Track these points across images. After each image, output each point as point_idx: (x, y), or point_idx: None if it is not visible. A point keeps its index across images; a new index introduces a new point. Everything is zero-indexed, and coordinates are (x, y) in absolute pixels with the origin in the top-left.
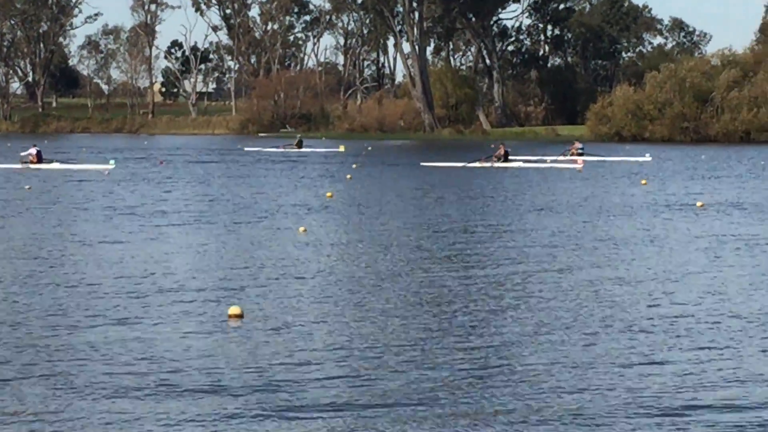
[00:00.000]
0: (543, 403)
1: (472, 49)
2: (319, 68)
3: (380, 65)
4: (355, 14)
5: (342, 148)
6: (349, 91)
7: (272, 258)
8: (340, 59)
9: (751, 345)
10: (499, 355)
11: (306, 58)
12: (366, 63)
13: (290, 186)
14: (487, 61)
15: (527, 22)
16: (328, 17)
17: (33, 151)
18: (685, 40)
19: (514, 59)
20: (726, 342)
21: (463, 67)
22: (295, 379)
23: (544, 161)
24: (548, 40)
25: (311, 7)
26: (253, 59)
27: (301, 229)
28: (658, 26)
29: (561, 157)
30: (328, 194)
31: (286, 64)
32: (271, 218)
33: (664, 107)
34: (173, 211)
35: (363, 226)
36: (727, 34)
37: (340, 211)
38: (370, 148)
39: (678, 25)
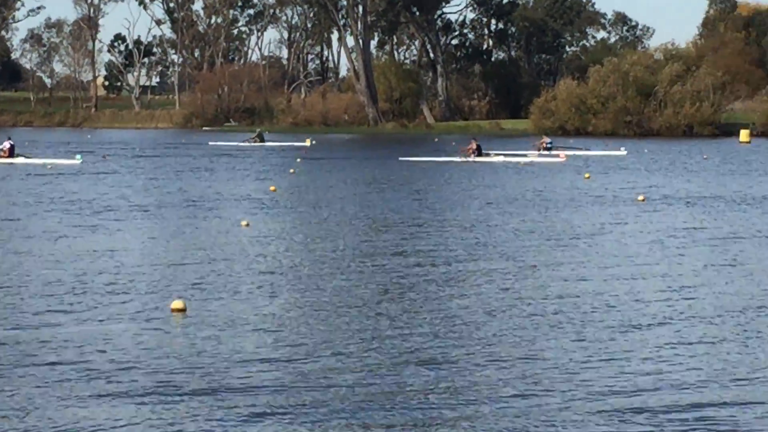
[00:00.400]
0: (488, 400)
1: (416, 43)
2: (263, 62)
3: (324, 59)
4: (298, 8)
5: (308, 142)
6: (293, 85)
7: (215, 252)
8: (284, 53)
9: (703, 339)
10: (445, 351)
11: (250, 51)
12: (310, 57)
13: (236, 180)
14: (431, 55)
15: (471, 16)
16: (271, 11)
17: (6, 144)
18: (628, 34)
19: (458, 53)
20: (675, 336)
21: (407, 61)
22: (237, 375)
23: (525, 156)
24: (492, 34)
25: (255, 0)
26: (196, 53)
27: (244, 222)
28: (602, 20)
29: (531, 152)
30: (272, 188)
31: (230, 57)
32: (214, 212)
33: (608, 101)
34: (116, 206)
35: (305, 220)
36: (670, 29)
37: (283, 205)
38: (314, 142)
39: (621, 19)
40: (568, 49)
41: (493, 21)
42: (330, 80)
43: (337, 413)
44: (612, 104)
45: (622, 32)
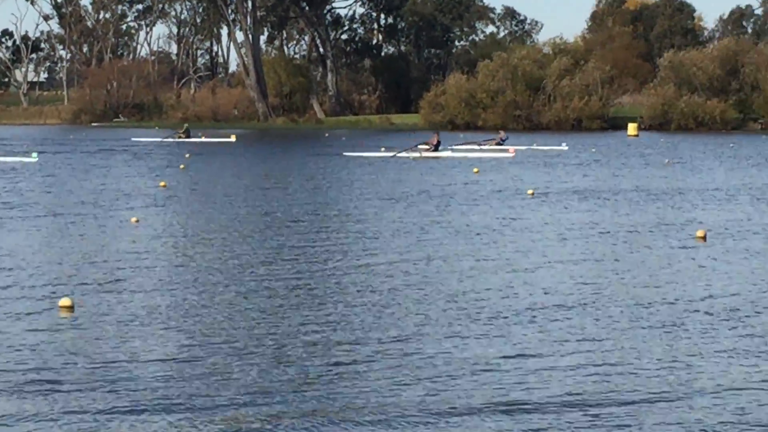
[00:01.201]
0: (389, 398)
1: (306, 38)
2: (152, 57)
3: (213, 54)
4: (188, 3)
5: (233, 138)
6: (183, 81)
7: (104, 249)
8: (174, 48)
9: (605, 335)
10: (342, 348)
11: (139, 47)
12: (199, 52)
13: (128, 177)
14: (321, 50)
15: (360, 10)
16: (160, 6)
17: None
18: (517, 28)
19: (348, 48)
20: (573, 331)
21: (297, 56)
22: (124, 370)
23: (475, 150)
24: (381, 29)
25: None
26: (85, 48)
27: (133, 219)
28: (491, 15)
29: (486, 146)
30: (162, 183)
31: (119, 53)
32: (104, 209)
33: (497, 95)
34: (3, 204)
35: (195, 215)
36: (559, 23)
37: (174, 201)
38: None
39: (510, 13)
40: (457, 43)
41: (383, 16)
42: (219, 75)
43: (225, 407)
44: (501, 98)
45: (510, 27)
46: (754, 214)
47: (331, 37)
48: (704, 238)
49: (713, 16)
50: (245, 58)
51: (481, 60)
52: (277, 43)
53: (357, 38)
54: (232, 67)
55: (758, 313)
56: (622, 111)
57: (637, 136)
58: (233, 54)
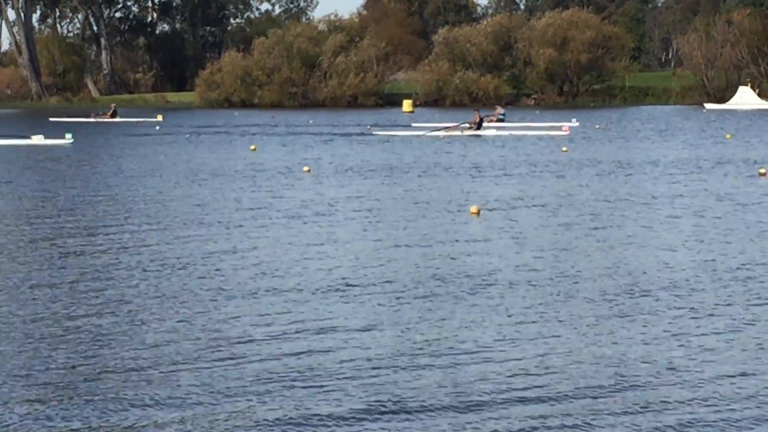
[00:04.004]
0: (142, 374)
1: (79, 16)
2: None
3: None
4: None
5: (160, 117)
6: None
7: None
8: None
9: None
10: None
11: None
12: None
13: None
14: (95, 28)
15: None
16: None
17: None
18: (292, 6)
19: (122, 26)
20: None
21: (71, 35)
22: None
23: (529, 128)
24: (156, 7)
25: None
26: None
27: None
28: None
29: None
30: None
31: None
32: None
33: (273, 73)
34: None
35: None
36: (334, 0)
37: None
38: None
39: None
40: (232, 21)
41: None
42: None
43: None
44: (277, 76)
45: (286, 4)
46: (528, 189)
47: (105, 15)
48: (478, 213)
49: None
50: (17, 37)
51: (256, 37)
52: (50, 21)
53: (131, 16)
54: (5, 46)
55: (515, 284)
56: (397, 87)
57: (412, 112)
58: (5, 32)
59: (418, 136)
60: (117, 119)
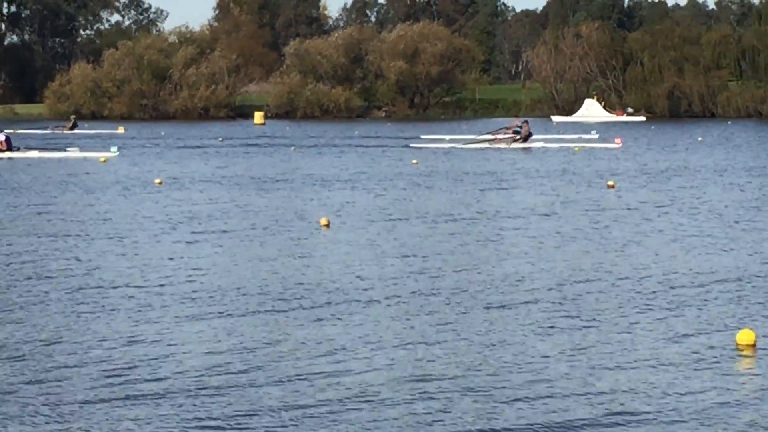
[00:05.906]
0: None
1: None
2: None
3: None
4: None
5: (121, 130)
6: None
7: None
8: None
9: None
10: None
11: None
12: None
13: None
14: None
15: None
16: None
17: (1, 137)
18: (142, 17)
19: None
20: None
21: None
22: None
23: (585, 139)
24: (5, 18)
25: None
26: None
27: None
28: (116, 3)
29: (501, 135)
30: None
31: None
32: None
33: (123, 84)
34: None
35: None
36: (184, 12)
37: None
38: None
39: (135, 2)
40: (82, 32)
41: (6, 4)
42: None
43: None
44: (127, 87)
45: (135, 16)
46: (373, 200)
47: None
48: (327, 225)
49: (338, 5)
50: None
51: (106, 49)
52: None
53: None
54: None
55: (363, 293)
56: (249, 99)
57: (263, 124)
58: None
59: (457, 148)
60: (75, 131)
